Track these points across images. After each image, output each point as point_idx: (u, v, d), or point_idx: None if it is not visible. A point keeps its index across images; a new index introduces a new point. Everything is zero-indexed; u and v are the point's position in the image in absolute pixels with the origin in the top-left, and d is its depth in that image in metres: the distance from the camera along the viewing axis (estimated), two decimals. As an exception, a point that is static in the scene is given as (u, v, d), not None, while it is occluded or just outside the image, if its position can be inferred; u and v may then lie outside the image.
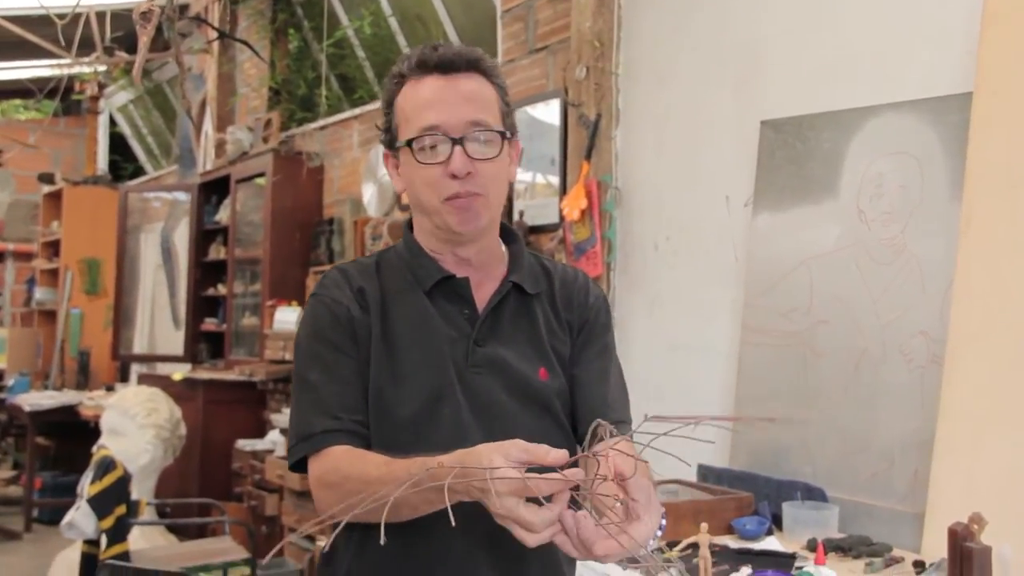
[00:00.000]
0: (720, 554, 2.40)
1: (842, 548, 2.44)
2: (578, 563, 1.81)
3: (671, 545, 2.47)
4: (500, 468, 1.17)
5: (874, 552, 2.43)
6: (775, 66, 3.28)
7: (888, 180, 2.84)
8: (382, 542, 1.08)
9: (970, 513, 2.10)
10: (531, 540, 1.19)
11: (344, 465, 1.44)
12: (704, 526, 2.10)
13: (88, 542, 4.07)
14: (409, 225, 1.68)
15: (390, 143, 1.61)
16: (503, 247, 1.69)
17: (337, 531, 1.18)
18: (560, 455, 1.20)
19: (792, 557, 2.35)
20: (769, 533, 2.64)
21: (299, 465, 1.54)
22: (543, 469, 1.19)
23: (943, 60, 2.76)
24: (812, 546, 2.45)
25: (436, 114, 1.52)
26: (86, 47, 7.28)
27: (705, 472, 3.08)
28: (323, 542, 3.35)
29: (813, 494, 2.74)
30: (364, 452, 1.45)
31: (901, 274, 2.77)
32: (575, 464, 1.20)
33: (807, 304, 3.02)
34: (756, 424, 3.10)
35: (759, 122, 3.27)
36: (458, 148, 1.51)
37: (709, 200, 3.49)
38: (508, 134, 1.58)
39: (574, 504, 1.20)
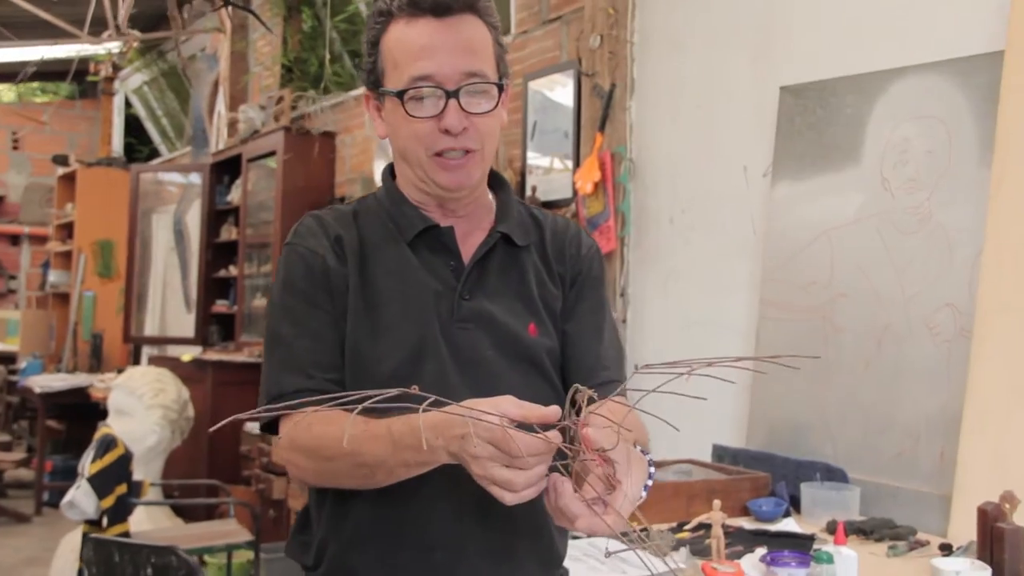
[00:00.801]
0: (734, 535, 2.28)
1: (863, 531, 2.32)
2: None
3: (681, 525, 2.35)
4: (482, 420, 1.06)
5: (897, 535, 2.30)
6: (794, 29, 3.14)
7: (913, 145, 2.70)
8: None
9: (1001, 492, 1.98)
10: (509, 498, 1.11)
11: (317, 426, 1.33)
12: (717, 503, 1.98)
13: (90, 522, 3.98)
14: (391, 171, 1.56)
15: (374, 84, 1.48)
16: (490, 195, 1.57)
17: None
18: (552, 411, 1.11)
19: (810, 539, 2.22)
20: (786, 515, 2.52)
21: (270, 426, 1.44)
22: (531, 431, 1.09)
23: (971, 18, 2.62)
24: (832, 528, 2.33)
25: (429, 63, 1.39)
26: (99, 26, 7.23)
27: (720, 452, 2.96)
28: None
29: (833, 475, 2.61)
30: (339, 412, 1.34)
31: (927, 244, 2.63)
32: (562, 430, 1.11)
33: (827, 277, 2.89)
34: (769, 396, 2.98)
35: (778, 88, 3.13)
36: (452, 102, 1.39)
37: (726, 171, 3.36)
38: (503, 83, 1.46)
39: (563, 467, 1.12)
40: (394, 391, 1.02)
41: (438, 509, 1.41)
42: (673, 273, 3.57)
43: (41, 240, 10.21)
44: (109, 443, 3.89)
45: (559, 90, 4.17)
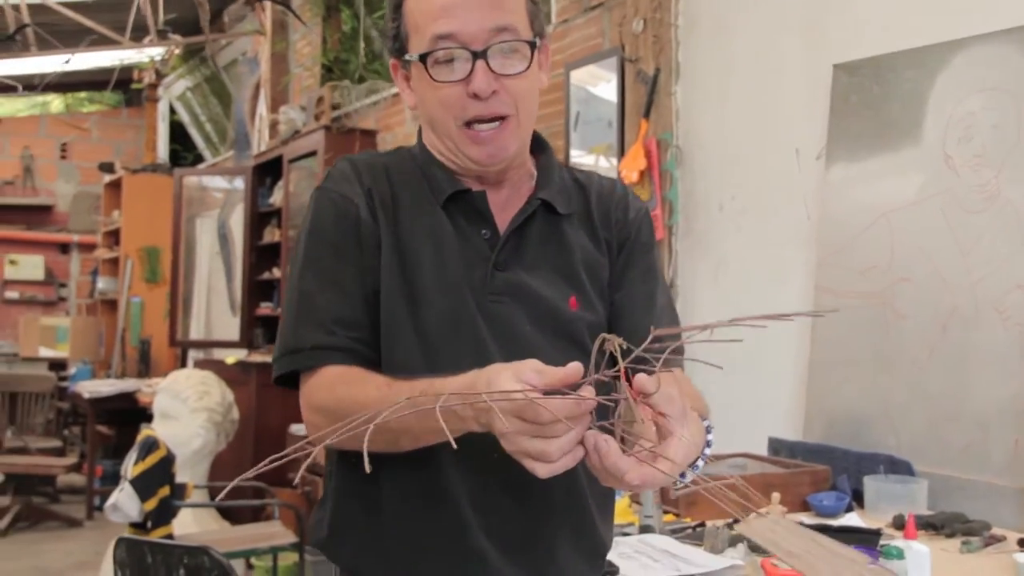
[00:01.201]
0: (794, 531, 2.15)
1: (933, 525, 2.18)
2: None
3: (737, 521, 2.23)
4: (504, 391, 0.97)
5: (970, 530, 2.16)
6: (847, 4, 3.00)
7: (979, 120, 2.56)
8: (367, 470, 0.92)
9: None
10: (542, 470, 1.01)
11: (340, 387, 1.24)
12: (776, 496, 1.86)
13: (135, 525, 3.93)
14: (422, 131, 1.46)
15: (399, 51, 1.38)
16: (531, 160, 1.46)
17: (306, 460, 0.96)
18: (573, 369, 1.00)
19: (877, 534, 2.09)
20: (849, 509, 2.39)
21: (286, 380, 1.34)
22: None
23: (1040, -18, 2.48)
24: (899, 523, 2.20)
25: (451, 21, 1.28)
26: (140, 32, 7.25)
27: (776, 445, 2.83)
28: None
29: (898, 467, 2.47)
30: (364, 372, 1.24)
31: (995, 223, 2.49)
32: (598, 391, 1.00)
33: (887, 261, 2.75)
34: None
35: (831, 66, 3.00)
36: (480, 63, 1.29)
37: (778, 154, 3.23)
38: (537, 41, 1.35)
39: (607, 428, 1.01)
40: (402, 401, 0.95)
41: (465, 488, 1.31)
42: (723, 262, 3.44)
43: (90, 248, 10.26)
44: (151, 445, 3.84)
45: (602, 78, 4.06)
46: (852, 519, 2.29)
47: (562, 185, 1.44)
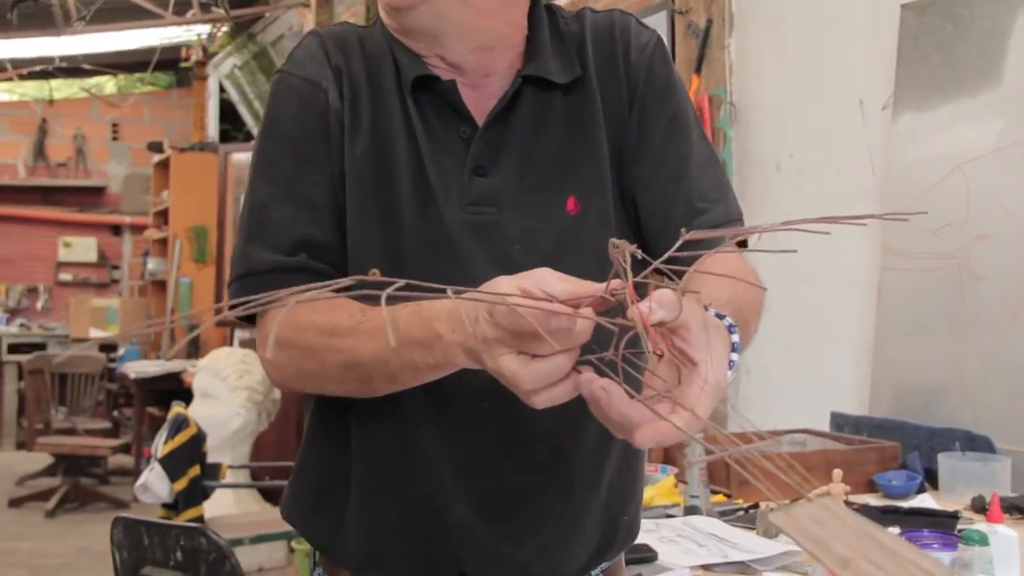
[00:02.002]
0: (859, 513, 1.92)
1: (1019, 508, 1.94)
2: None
3: (794, 502, 2.01)
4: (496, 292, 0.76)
5: (1061, 512, 1.92)
6: (918, -62, 2.74)
7: (1066, 57, 2.29)
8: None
9: None
10: (534, 400, 0.79)
11: (304, 315, 1.01)
12: (837, 473, 1.64)
13: (167, 506, 3.81)
14: None
15: None
16: (523, 32, 1.16)
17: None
18: (603, 287, 0.76)
19: (954, 517, 1.86)
20: (921, 490, 2.15)
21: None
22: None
23: None
24: (979, 506, 1.96)
25: None
26: (184, 7, 7.15)
27: (839, 420, 2.59)
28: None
29: (976, 444, 2.23)
30: (332, 299, 1.01)
31: (1086, 171, 2.23)
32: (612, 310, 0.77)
33: (962, 218, 2.49)
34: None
35: (898, 6, 2.73)
36: None
37: (840, 107, 2.97)
38: None
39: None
40: (348, 280, 0.70)
41: (447, 449, 1.09)
42: (783, 230, 3.19)
43: (141, 229, 10.24)
44: (180, 423, 3.71)
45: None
46: (925, 501, 2.06)
47: (556, 50, 1.16)
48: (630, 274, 0.72)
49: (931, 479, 2.21)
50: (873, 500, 2.08)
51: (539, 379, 0.76)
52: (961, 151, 2.51)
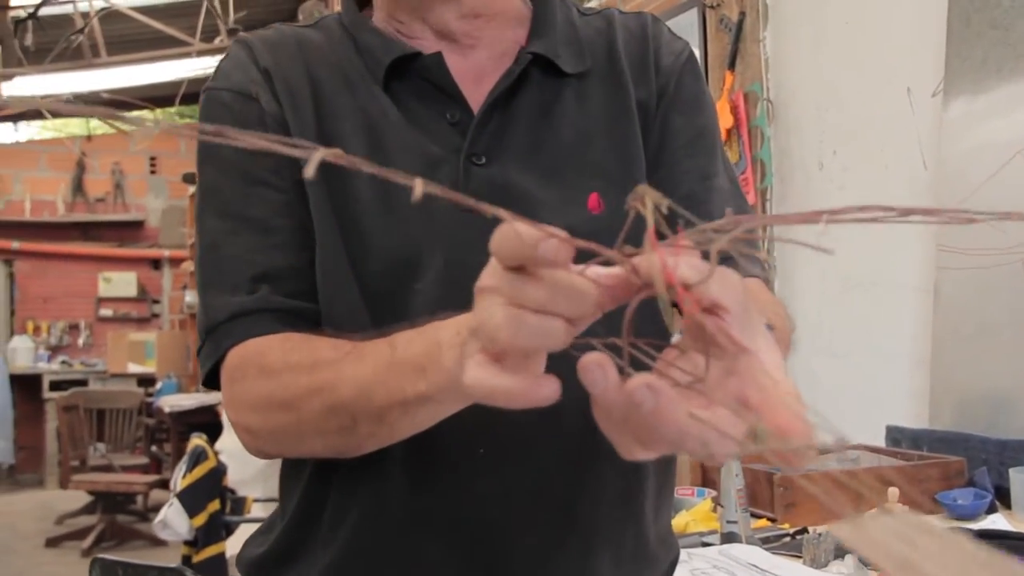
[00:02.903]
0: (923, 537, 1.69)
1: (1106, 528, 1.70)
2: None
3: (831, 526, 1.78)
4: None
5: None
6: (965, -92, 2.53)
7: None
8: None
9: None
10: (509, 368, 0.54)
11: (274, 353, 0.85)
12: (894, 491, 1.42)
13: (189, 543, 3.64)
14: None
15: None
16: (524, 4, 1.03)
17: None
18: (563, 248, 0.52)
19: (1032, 540, 1.62)
20: (991, 510, 1.92)
21: (216, 378, 0.93)
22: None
23: None
24: (1059, 526, 1.72)
25: None
26: (212, 34, 7.09)
27: (896, 434, 2.36)
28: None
29: (1053, 457, 1.99)
30: (308, 335, 0.86)
31: None
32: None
33: (1027, 208, 2.26)
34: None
35: (947, -17, 2.52)
36: None
37: (886, 96, 2.75)
38: None
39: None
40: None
41: (437, 505, 0.91)
42: (827, 228, 2.97)
43: (180, 262, 10.21)
44: (199, 455, 3.55)
45: (683, 35, 3.62)
46: (997, 522, 1.83)
47: (569, 31, 1.02)
48: (652, 223, 0.51)
49: (1002, 497, 1.98)
50: (937, 521, 1.85)
51: (522, 329, 0.52)
52: (1022, 136, 2.29)
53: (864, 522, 0.48)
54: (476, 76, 0.97)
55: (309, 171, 0.45)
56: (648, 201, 0.51)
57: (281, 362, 0.84)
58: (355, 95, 0.95)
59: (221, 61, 0.99)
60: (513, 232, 0.50)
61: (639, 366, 0.51)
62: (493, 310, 0.52)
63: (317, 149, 0.45)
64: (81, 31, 5.69)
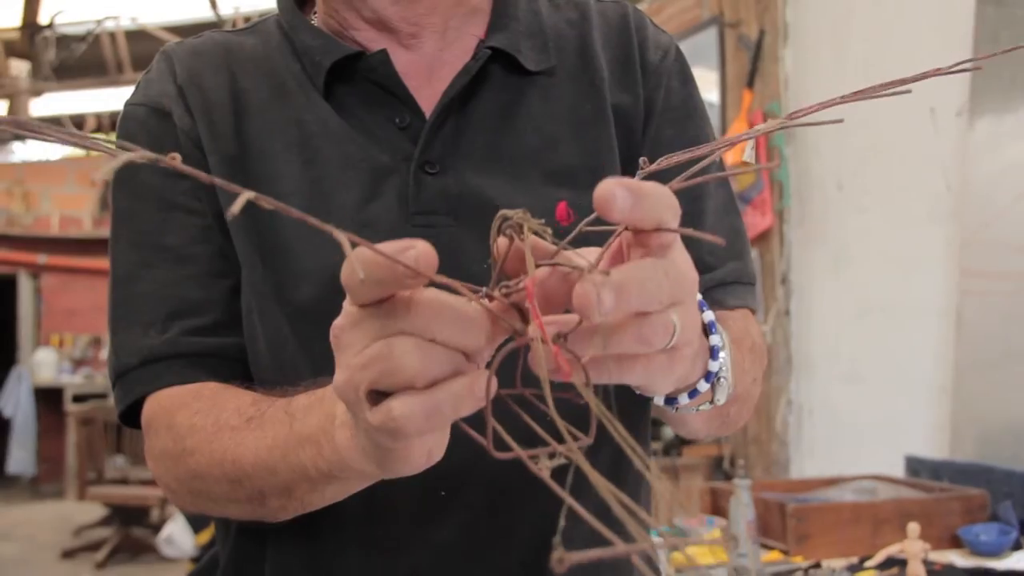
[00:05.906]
0: (942, 574, 1.62)
1: None
2: None
3: (863, 561, 1.71)
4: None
5: None
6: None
7: None
8: None
9: None
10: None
11: (182, 414, 0.78)
12: (914, 527, 1.35)
13: (194, 560, 3.60)
14: None
15: None
16: None
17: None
18: (423, 252, 0.44)
19: (1057, 580, 1.55)
20: (1017, 547, 1.84)
21: (134, 417, 0.86)
22: None
23: None
24: (1086, 565, 1.65)
25: None
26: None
27: (915, 465, 2.28)
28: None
29: (1079, 491, 1.91)
30: (219, 389, 0.79)
31: None
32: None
33: (1053, 232, 2.19)
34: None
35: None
36: None
37: (908, 117, 2.70)
38: None
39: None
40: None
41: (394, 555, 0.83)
42: (845, 250, 2.92)
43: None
44: (207, 471, 3.51)
45: (702, 55, 3.58)
46: (1022, 560, 1.75)
47: (534, 22, 0.92)
48: (531, 261, 0.45)
49: (1027, 533, 1.90)
50: (959, 559, 1.78)
51: (428, 357, 0.45)
52: (1048, 157, 2.23)
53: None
54: (427, 73, 0.89)
55: (236, 208, 0.39)
56: (526, 228, 0.46)
57: (187, 425, 0.78)
58: (289, 106, 0.87)
59: (144, 73, 0.92)
60: (368, 255, 0.43)
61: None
62: (372, 351, 0.46)
63: (242, 192, 0.39)
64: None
